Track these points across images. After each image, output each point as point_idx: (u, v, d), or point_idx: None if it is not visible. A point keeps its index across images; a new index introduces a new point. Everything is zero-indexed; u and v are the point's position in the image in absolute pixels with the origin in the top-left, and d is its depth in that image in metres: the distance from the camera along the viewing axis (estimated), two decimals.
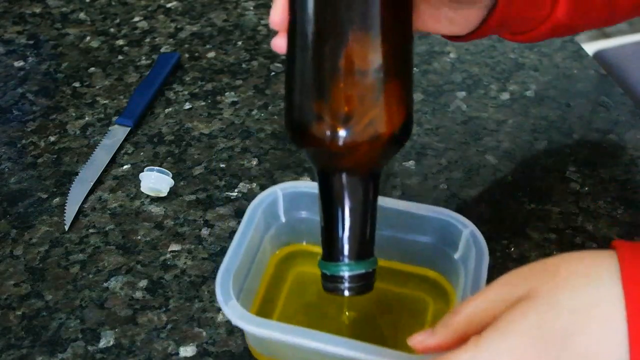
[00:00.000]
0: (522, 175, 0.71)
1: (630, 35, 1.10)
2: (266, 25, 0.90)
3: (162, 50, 0.86)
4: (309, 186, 0.58)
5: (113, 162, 0.72)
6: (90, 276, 0.61)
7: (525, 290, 0.39)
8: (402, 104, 0.45)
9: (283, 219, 0.60)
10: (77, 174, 0.70)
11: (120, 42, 0.87)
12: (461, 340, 0.40)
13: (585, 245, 0.64)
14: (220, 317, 0.58)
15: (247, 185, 0.69)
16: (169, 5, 0.94)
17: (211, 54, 0.86)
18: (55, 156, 0.72)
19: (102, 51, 0.86)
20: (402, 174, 0.70)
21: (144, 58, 0.85)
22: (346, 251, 0.47)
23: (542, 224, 0.66)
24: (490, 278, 0.59)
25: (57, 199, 0.68)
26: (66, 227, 0.65)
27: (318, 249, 0.49)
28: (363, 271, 0.47)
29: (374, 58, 0.43)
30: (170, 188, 0.68)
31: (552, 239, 0.64)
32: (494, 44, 0.86)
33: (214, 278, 0.61)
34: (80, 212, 0.67)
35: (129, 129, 0.75)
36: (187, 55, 0.85)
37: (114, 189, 0.69)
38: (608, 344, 0.37)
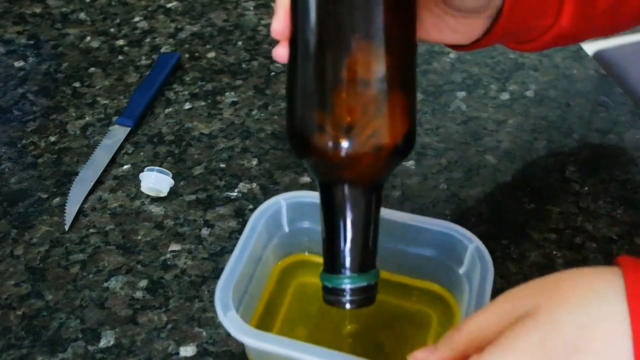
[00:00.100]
0: (522, 175, 0.71)
1: (630, 35, 1.10)
2: (266, 26, 0.90)
3: (162, 50, 0.86)
4: (312, 196, 0.58)
5: (113, 162, 0.72)
6: (91, 276, 0.61)
7: (527, 307, 0.39)
8: (406, 115, 0.44)
9: (286, 229, 0.59)
10: (77, 174, 0.70)
11: (121, 42, 0.87)
12: (463, 358, 0.39)
13: (585, 245, 0.64)
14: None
15: (247, 185, 0.69)
16: (169, 5, 0.94)
17: (211, 54, 0.86)
18: (55, 156, 0.73)
19: (102, 51, 0.86)
20: (402, 174, 0.70)
21: (144, 58, 0.85)
22: (348, 263, 0.46)
23: (542, 223, 0.66)
24: (492, 280, 0.59)
25: (58, 199, 0.68)
26: (66, 227, 0.65)
27: (320, 260, 0.49)
28: (365, 284, 0.47)
29: (377, 68, 0.42)
30: (171, 188, 0.69)
31: (551, 239, 0.64)
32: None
33: (214, 278, 0.61)
34: (80, 212, 0.67)
35: (129, 129, 0.75)
36: (187, 55, 0.85)
37: (114, 189, 0.69)
38: None
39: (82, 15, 0.92)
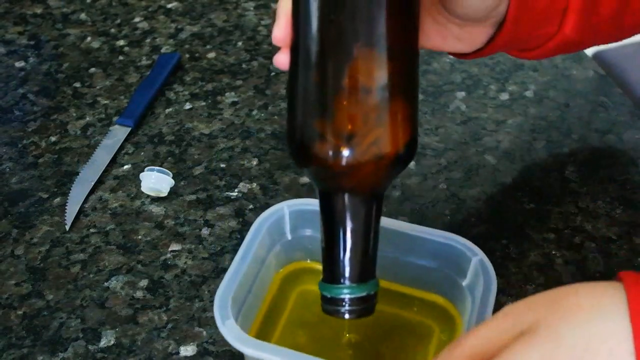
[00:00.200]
0: (521, 175, 0.71)
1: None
2: (266, 26, 0.90)
3: (163, 50, 0.86)
4: (315, 204, 0.57)
5: (114, 162, 0.72)
6: (91, 276, 0.62)
7: (529, 322, 0.38)
8: (407, 123, 0.43)
9: (289, 237, 0.59)
10: (77, 174, 0.70)
11: (121, 42, 0.88)
12: None
13: (584, 245, 0.64)
14: None
15: (247, 185, 0.70)
16: (169, 5, 0.94)
17: (211, 55, 0.86)
18: (56, 156, 0.73)
19: (103, 51, 0.86)
20: (401, 174, 0.70)
21: (144, 58, 0.85)
22: (347, 273, 0.46)
23: (541, 223, 0.66)
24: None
25: (58, 199, 0.68)
26: (67, 227, 0.65)
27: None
28: (364, 294, 0.46)
29: (379, 76, 0.42)
30: (171, 188, 0.69)
31: (551, 239, 0.64)
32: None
33: (215, 278, 0.61)
34: (81, 211, 0.67)
35: (130, 129, 0.75)
36: (187, 56, 0.86)
37: (115, 189, 0.69)
38: None
39: (82, 16, 0.92)
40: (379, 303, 0.48)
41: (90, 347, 0.56)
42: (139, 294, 0.60)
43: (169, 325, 0.58)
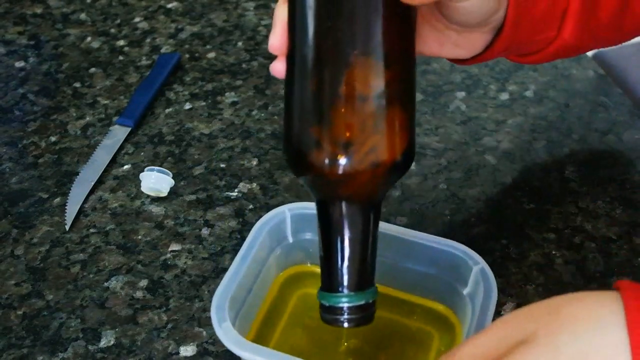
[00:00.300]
0: (521, 175, 0.71)
1: None
2: (266, 26, 0.90)
3: (163, 50, 0.86)
4: None
5: (113, 162, 0.72)
6: (91, 276, 0.62)
7: (526, 332, 0.38)
8: (404, 131, 0.43)
9: (290, 240, 0.59)
10: (77, 174, 0.70)
11: (121, 42, 0.88)
12: None
13: (584, 245, 0.64)
14: None
15: (247, 185, 0.70)
16: (169, 5, 0.94)
17: (211, 55, 0.86)
18: (56, 156, 0.73)
19: (103, 51, 0.86)
20: None
21: (144, 58, 0.85)
22: (345, 282, 0.45)
23: (541, 223, 0.66)
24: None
25: (58, 199, 0.68)
26: (67, 227, 0.65)
27: None
28: (363, 302, 0.46)
29: (376, 84, 0.42)
30: (171, 188, 0.69)
31: (551, 239, 0.64)
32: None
33: (214, 278, 0.61)
34: (80, 212, 0.67)
35: (130, 129, 0.75)
36: (187, 56, 0.86)
37: (115, 189, 0.69)
38: None
39: (82, 16, 0.92)
40: (380, 309, 0.48)
41: (90, 347, 0.56)
42: (138, 294, 0.60)
43: (169, 326, 0.58)
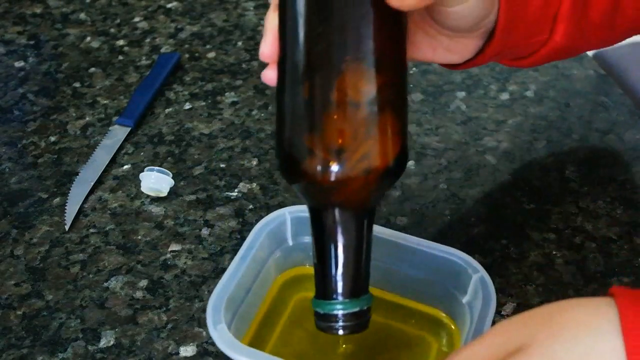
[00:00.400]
0: (521, 175, 0.71)
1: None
2: None
3: (163, 50, 0.86)
4: None
5: (113, 162, 0.72)
6: (91, 276, 0.62)
7: (522, 340, 0.39)
8: (397, 137, 0.43)
9: (290, 242, 0.59)
10: (77, 174, 0.70)
11: (121, 42, 0.88)
12: None
13: (585, 245, 0.64)
14: None
15: (247, 185, 0.70)
16: (169, 5, 0.94)
17: (211, 54, 0.86)
18: (55, 156, 0.73)
19: (103, 51, 0.86)
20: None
21: (144, 58, 0.85)
22: (340, 289, 0.45)
23: (542, 223, 0.66)
24: (491, 279, 0.59)
25: (58, 199, 0.68)
26: (66, 227, 0.65)
27: None
28: (357, 309, 0.46)
29: (367, 90, 0.42)
30: (171, 188, 0.69)
31: (551, 239, 0.64)
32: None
33: (214, 278, 0.61)
34: (80, 212, 0.67)
35: (129, 129, 0.75)
36: (187, 56, 0.85)
37: (114, 189, 0.69)
38: None
39: (82, 16, 0.92)
40: (378, 314, 0.47)
41: (89, 347, 0.56)
42: (138, 294, 0.60)
43: (169, 326, 0.58)
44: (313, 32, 0.42)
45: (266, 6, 0.93)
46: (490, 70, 0.83)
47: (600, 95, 0.80)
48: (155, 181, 0.68)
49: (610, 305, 0.38)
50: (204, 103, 0.79)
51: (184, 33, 0.89)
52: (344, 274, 0.45)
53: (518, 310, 0.59)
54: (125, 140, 0.74)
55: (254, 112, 0.78)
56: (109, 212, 0.67)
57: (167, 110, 0.78)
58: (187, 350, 0.56)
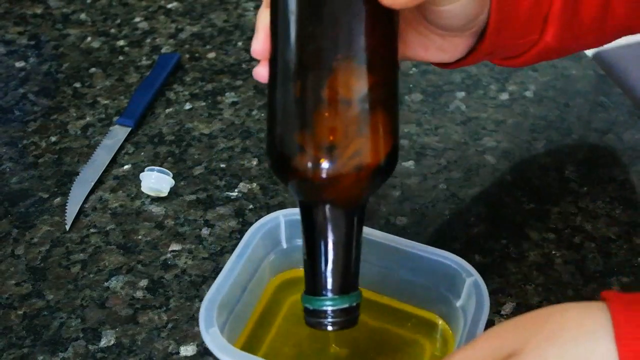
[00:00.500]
0: (521, 175, 0.71)
1: (628, 36, 1.10)
2: None
3: (163, 50, 0.86)
4: None
5: (114, 162, 0.72)
6: (91, 276, 0.62)
7: (515, 345, 0.39)
8: (388, 135, 0.43)
9: (285, 245, 0.59)
10: (77, 174, 0.70)
11: (121, 42, 0.88)
12: None
13: (584, 245, 0.64)
14: None
15: (247, 185, 0.70)
16: (169, 5, 0.94)
17: (211, 55, 0.86)
18: (56, 156, 0.73)
19: (103, 52, 0.86)
20: (401, 174, 0.70)
21: (144, 58, 0.85)
22: (329, 285, 0.46)
23: (541, 223, 0.66)
24: (491, 279, 0.59)
25: (58, 199, 0.68)
26: (67, 227, 0.65)
27: None
28: (347, 305, 0.46)
29: (358, 87, 0.42)
30: (171, 188, 0.69)
31: (550, 239, 0.65)
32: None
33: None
34: (81, 211, 0.67)
35: (130, 129, 0.75)
36: (187, 56, 0.86)
37: (115, 189, 0.69)
38: None
39: (82, 16, 0.92)
40: (372, 317, 0.47)
41: (90, 347, 0.56)
42: (139, 293, 0.60)
43: (169, 325, 0.58)
44: (304, 30, 0.42)
45: None
46: (490, 70, 0.83)
47: (599, 95, 0.80)
48: (156, 181, 0.68)
49: (603, 310, 0.38)
50: (204, 103, 0.79)
51: (184, 33, 0.89)
52: (333, 270, 0.45)
53: (517, 309, 0.59)
54: (126, 140, 0.74)
55: (254, 112, 0.78)
56: (109, 212, 0.67)
57: (167, 111, 0.78)
58: (188, 350, 0.56)
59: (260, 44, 0.44)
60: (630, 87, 0.92)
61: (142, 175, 0.69)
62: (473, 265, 0.54)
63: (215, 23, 0.91)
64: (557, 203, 0.68)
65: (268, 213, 0.59)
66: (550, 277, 0.61)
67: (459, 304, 0.54)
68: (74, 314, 0.59)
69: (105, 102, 0.79)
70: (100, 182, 0.70)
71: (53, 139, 0.75)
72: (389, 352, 0.56)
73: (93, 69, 0.84)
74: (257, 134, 0.75)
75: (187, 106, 0.79)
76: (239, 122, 0.77)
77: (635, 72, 0.94)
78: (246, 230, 0.57)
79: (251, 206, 0.68)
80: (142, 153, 0.73)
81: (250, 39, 0.88)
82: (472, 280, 0.53)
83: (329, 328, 0.46)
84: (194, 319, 0.58)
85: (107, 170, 0.71)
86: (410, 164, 0.72)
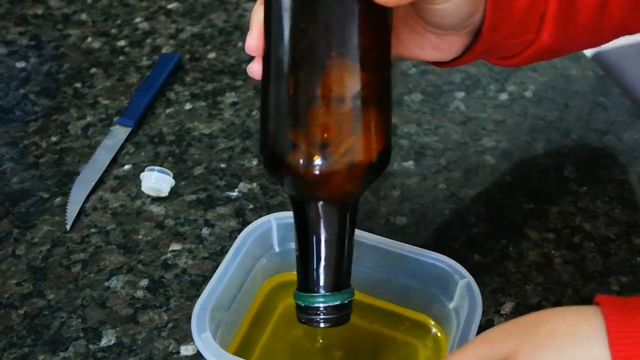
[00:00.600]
0: (520, 175, 0.71)
1: (628, 37, 1.09)
2: None
3: (163, 51, 0.86)
4: None
5: (114, 162, 0.72)
6: (92, 275, 0.62)
7: (507, 349, 0.39)
8: (380, 132, 0.44)
9: (277, 249, 0.59)
10: (78, 173, 0.71)
11: (122, 43, 0.88)
12: None
13: (583, 245, 0.64)
14: None
15: (247, 185, 0.70)
16: (169, 6, 0.94)
17: (212, 55, 0.86)
18: (56, 156, 0.73)
19: (104, 52, 0.86)
20: (401, 174, 0.71)
21: (144, 59, 0.85)
22: (321, 282, 0.46)
23: (541, 223, 0.66)
24: (490, 279, 0.59)
25: (59, 199, 0.68)
26: (68, 227, 0.66)
27: None
28: (338, 302, 0.46)
29: (351, 85, 0.42)
30: (171, 188, 0.69)
31: (550, 239, 0.65)
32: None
33: None
34: (81, 211, 0.67)
35: (130, 129, 0.75)
36: (187, 56, 0.86)
37: (115, 189, 0.70)
38: None
39: (83, 16, 0.92)
40: (365, 320, 0.47)
41: (91, 346, 0.57)
42: (139, 293, 0.60)
43: (170, 325, 0.58)
44: (298, 27, 0.42)
45: None
46: (489, 70, 0.83)
47: (598, 96, 0.80)
48: (156, 181, 0.68)
49: (595, 314, 0.38)
50: (204, 103, 0.79)
51: (184, 34, 0.89)
52: (325, 267, 0.46)
53: (517, 309, 0.59)
54: (126, 140, 0.74)
55: (254, 112, 0.78)
56: (109, 211, 0.67)
57: (167, 111, 0.79)
58: (188, 350, 0.56)
59: (255, 41, 0.44)
60: (629, 88, 0.92)
61: (143, 175, 0.69)
62: (473, 265, 0.54)
63: (216, 23, 0.91)
64: (556, 203, 0.68)
65: (268, 213, 0.59)
66: (549, 277, 0.62)
67: (451, 306, 0.54)
68: (74, 313, 0.59)
69: (106, 102, 0.79)
70: (100, 182, 0.70)
71: (54, 139, 0.75)
72: (382, 354, 0.56)
73: (94, 69, 0.84)
74: (257, 134, 0.75)
75: (188, 106, 0.79)
76: (239, 122, 0.77)
77: (634, 73, 0.94)
78: None
79: (251, 206, 0.68)
80: (143, 153, 0.73)
81: None
82: (464, 282, 0.53)
83: (321, 325, 0.47)
84: None
85: (107, 170, 0.71)
86: (410, 164, 0.72)
